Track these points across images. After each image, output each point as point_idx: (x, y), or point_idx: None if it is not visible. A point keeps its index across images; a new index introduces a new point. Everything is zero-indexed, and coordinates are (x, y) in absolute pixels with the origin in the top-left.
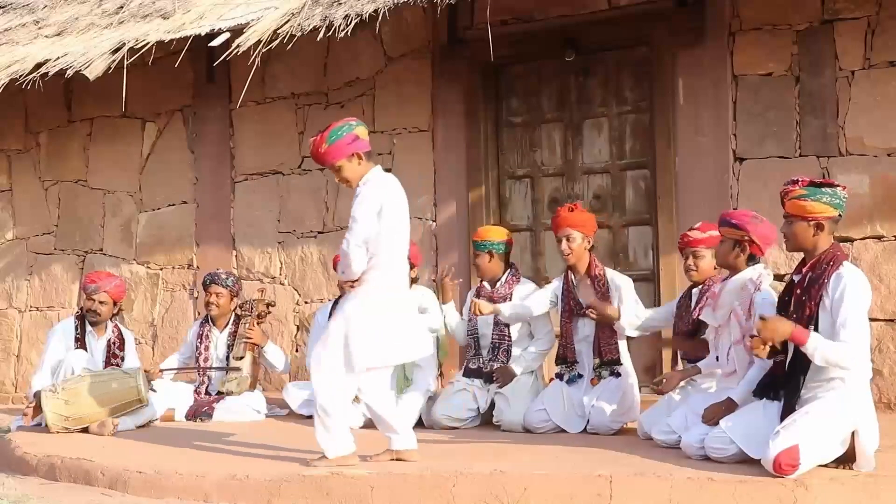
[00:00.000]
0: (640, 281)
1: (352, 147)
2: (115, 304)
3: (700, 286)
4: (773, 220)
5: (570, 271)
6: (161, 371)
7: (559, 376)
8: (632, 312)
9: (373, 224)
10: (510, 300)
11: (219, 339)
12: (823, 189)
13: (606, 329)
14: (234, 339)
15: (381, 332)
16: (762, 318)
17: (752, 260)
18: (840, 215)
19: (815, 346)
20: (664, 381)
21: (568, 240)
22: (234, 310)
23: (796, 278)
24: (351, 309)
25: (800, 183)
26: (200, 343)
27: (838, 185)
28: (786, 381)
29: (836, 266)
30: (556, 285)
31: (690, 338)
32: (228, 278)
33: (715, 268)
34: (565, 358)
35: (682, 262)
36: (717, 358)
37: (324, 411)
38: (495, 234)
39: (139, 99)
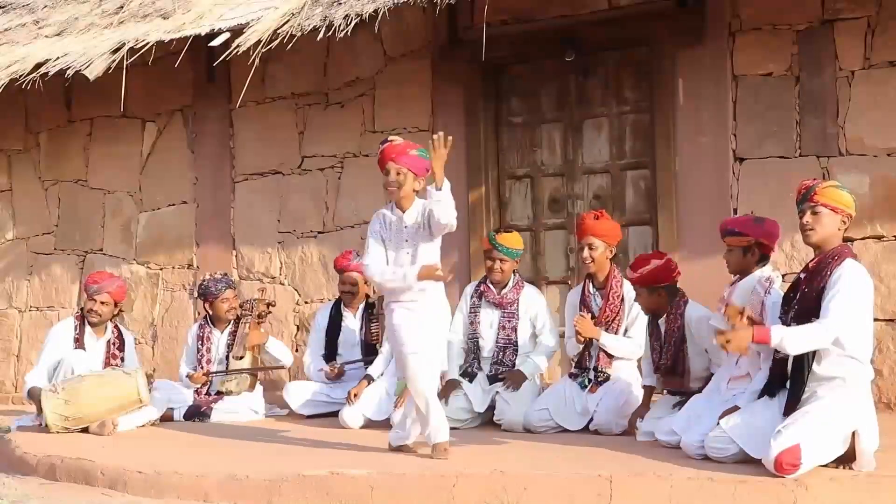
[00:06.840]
0: None
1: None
2: (115, 304)
3: (665, 315)
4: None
5: (588, 279)
6: (210, 374)
7: (572, 376)
8: (636, 341)
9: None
10: (517, 305)
11: (220, 340)
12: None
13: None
14: (234, 338)
15: None
16: (721, 333)
17: (762, 260)
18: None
19: (781, 337)
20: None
21: (590, 248)
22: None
23: (803, 276)
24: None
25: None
26: (202, 345)
27: None
28: (790, 377)
29: (839, 261)
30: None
31: (669, 374)
32: (230, 279)
33: (652, 299)
34: (580, 361)
35: None
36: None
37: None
38: (519, 243)
39: (139, 99)
